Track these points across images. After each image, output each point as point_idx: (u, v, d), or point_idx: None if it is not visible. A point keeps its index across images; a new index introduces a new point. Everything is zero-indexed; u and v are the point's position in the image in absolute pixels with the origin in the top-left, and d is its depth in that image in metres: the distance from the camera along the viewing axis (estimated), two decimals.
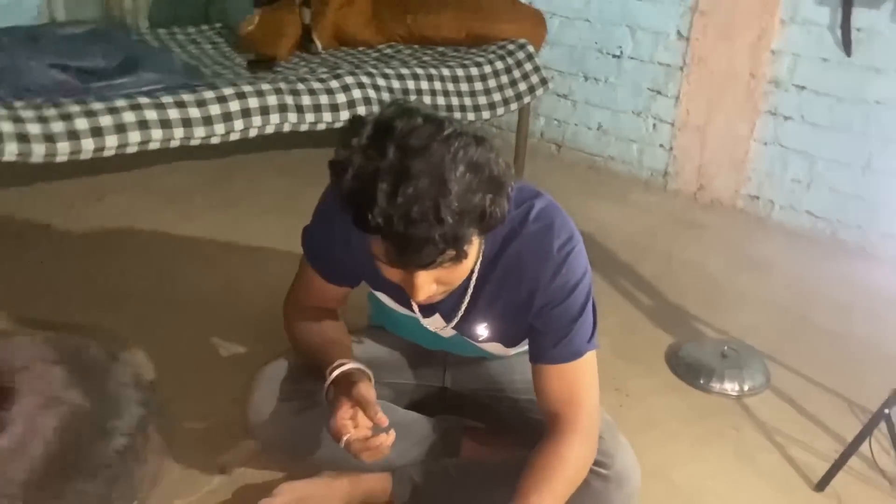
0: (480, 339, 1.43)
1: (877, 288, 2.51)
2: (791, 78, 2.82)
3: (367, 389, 1.29)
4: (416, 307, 1.39)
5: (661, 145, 3.22)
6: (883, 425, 1.63)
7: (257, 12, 3.15)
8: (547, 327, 1.31)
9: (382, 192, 1.00)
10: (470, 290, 1.34)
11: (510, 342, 1.46)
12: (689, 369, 2.03)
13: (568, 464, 1.27)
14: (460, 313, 1.38)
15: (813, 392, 2.01)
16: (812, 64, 2.77)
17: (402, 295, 1.26)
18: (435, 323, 1.43)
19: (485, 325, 1.40)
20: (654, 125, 3.21)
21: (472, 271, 1.28)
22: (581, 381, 1.32)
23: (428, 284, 1.13)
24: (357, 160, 1.04)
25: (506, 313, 1.36)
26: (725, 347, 2.07)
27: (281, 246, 2.41)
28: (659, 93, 3.16)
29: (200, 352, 2.00)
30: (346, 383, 1.31)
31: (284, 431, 1.47)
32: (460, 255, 1.07)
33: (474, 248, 1.13)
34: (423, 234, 1.01)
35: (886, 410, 1.57)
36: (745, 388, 1.98)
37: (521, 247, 1.27)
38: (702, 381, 1.99)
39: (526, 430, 1.50)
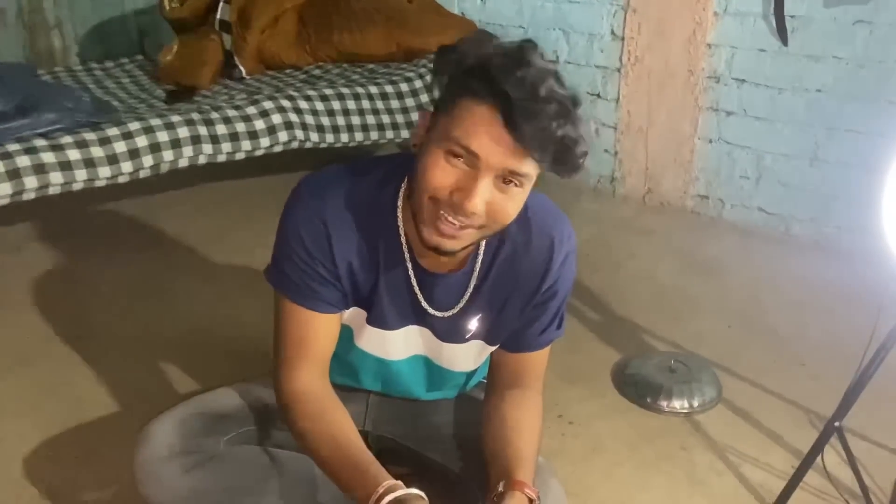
0: (467, 335, 1.32)
1: (832, 284, 2.41)
2: (730, 71, 2.73)
3: None
4: (421, 299, 1.27)
5: (606, 150, 3.11)
6: (837, 438, 1.51)
7: (176, 41, 3.03)
8: (539, 314, 1.30)
9: (511, 68, 1.02)
10: (475, 278, 1.26)
11: (495, 339, 1.34)
12: (636, 388, 1.91)
13: (540, 419, 1.32)
14: (464, 300, 1.28)
15: (767, 402, 1.89)
16: (749, 56, 2.68)
17: (398, 300, 1.26)
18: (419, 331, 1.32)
19: (479, 317, 1.30)
20: (597, 130, 3.10)
21: (476, 257, 1.25)
22: (545, 358, 1.37)
23: (484, 195, 1.07)
24: (482, 44, 1.07)
25: (507, 302, 1.29)
26: (673, 361, 1.95)
27: (216, 279, 2.26)
28: (598, 96, 3.06)
29: (110, 405, 1.84)
30: None
31: (175, 494, 1.31)
32: (561, 160, 1.06)
33: (528, 186, 1.11)
34: (549, 112, 1.02)
35: (837, 423, 1.45)
36: (695, 403, 1.86)
37: (531, 233, 1.25)
38: (649, 400, 1.87)
39: (445, 479, 1.41)
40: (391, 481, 1.12)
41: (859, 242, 2.48)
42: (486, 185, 1.06)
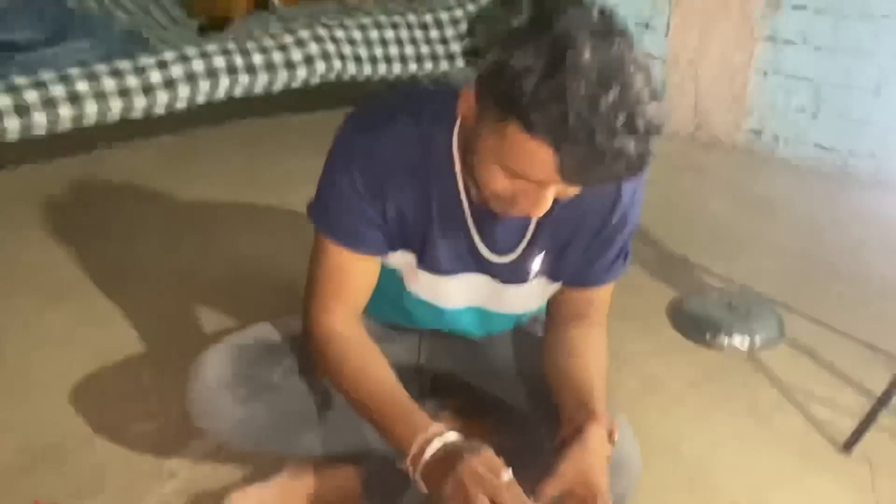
0: (531, 275, 1.25)
1: (893, 222, 2.30)
2: None
3: (512, 485, 0.99)
4: (477, 240, 1.19)
5: None
6: None
7: None
8: (606, 248, 1.22)
9: (578, 95, 0.84)
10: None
11: (560, 276, 1.26)
12: (694, 325, 1.84)
13: (606, 354, 1.27)
14: (525, 241, 1.20)
15: (833, 341, 1.81)
16: None
17: (453, 245, 1.17)
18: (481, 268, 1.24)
19: (542, 255, 1.23)
20: None
21: None
22: (609, 293, 1.29)
23: (550, 201, 0.99)
24: (533, 52, 0.85)
25: (573, 236, 1.20)
26: (732, 298, 1.87)
27: (251, 218, 2.20)
28: (647, 26, 2.92)
29: (154, 340, 1.81)
30: (453, 461, 0.99)
31: (230, 424, 1.27)
32: (636, 173, 0.93)
33: None
34: (619, 146, 0.86)
35: None
36: (757, 341, 1.78)
37: None
38: (708, 337, 1.80)
39: (504, 415, 1.36)
40: (437, 426, 1.05)
41: None
42: (551, 194, 0.97)
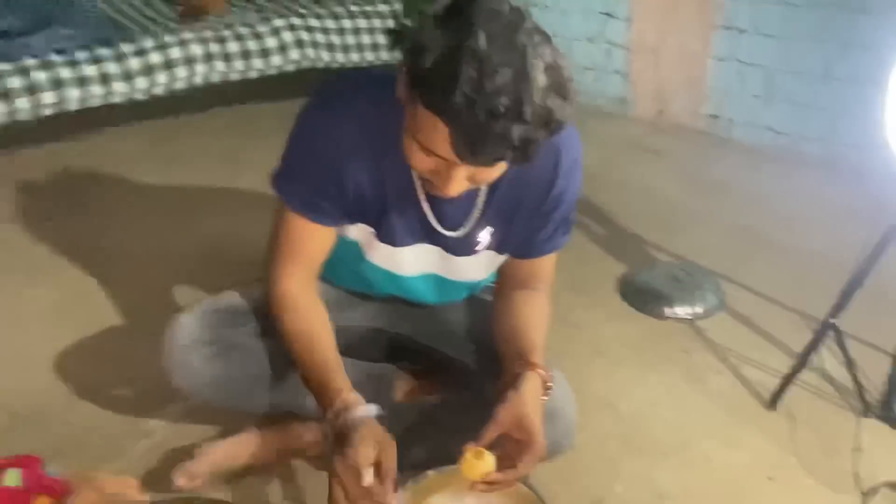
0: (478, 247, 1.35)
1: (838, 200, 2.43)
2: None
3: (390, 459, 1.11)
4: (430, 215, 1.29)
5: (617, 71, 3.10)
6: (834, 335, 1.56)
7: None
8: (546, 221, 1.30)
9: (467, 76, 0.93)
10: (483, 193, 1.27)
11: (505, 248, 1.37)
12: (640, 295, 1.96)
13: (547, 314, 1.36)
14: (474, 217, 1.29)
15: (768, 309, 1.94)
16: None
17: (407, 220, 1.26)
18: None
19: (488, 229, 1.32)
20: (609, 51, 3.09)
21: None
22: (553, 262, 1.38)
23: (463, 179, 1.07)
24: (439, 35, 0.96)
25: (517, 212, 1.30)
26: (677, 271, 2.00)
27: (227, 199, 2.30)
28: (610, 15, 3.04)
29: (132, 313, 1.92)
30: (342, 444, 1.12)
31: (201, 379, 1.38)
32: (523, 159, 1.01)
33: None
34: (501, 129, 0.95)
35: (832, 320, 1.50)
36: (698, 310, 1.91)
37: None
38: (652, 307, 1.92)
39: (455, 373, 1.47)
40: (348, 397, 1.16)
41: (867, 160, 2.48)
42: (460, 174, 1.06)
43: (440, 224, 1.30)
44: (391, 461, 1.10)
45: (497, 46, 0.94)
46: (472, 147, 0.98)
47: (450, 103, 0.94)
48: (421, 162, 1.07)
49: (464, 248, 1.35)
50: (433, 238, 1.33)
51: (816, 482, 1.43)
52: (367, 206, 1.27)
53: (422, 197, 1.26)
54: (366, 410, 1.16)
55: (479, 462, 1.11)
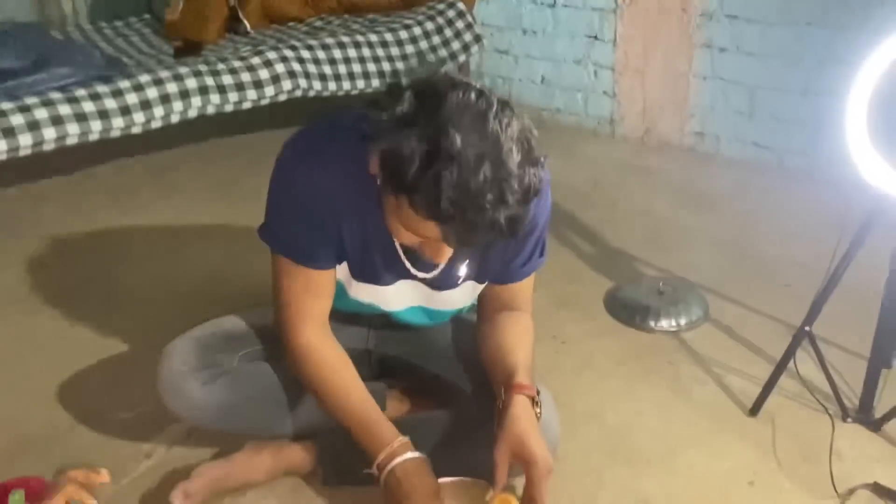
0: (459, 280, 1.40)
1: (821, 212, 2.46)
2: (722, 8, 2.77)
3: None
4: (408, 265, 1.35)
5: (605, 92, 3.17)
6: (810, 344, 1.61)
7: None
8: (521, 248, 1.35)
9: (450, 181, 0.98)
10: None
11: (484, 277, 1.42)
12: (626, 310, 2.01)
13: (532, 333, 1.42)
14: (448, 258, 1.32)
15: (752, 320, 1.98)
16: None
17: (387, 262, 1.31)
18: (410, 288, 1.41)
19: (466, 263, 1.37)
20: (596, 72, 3.16)
21: None
22: (531, 283, 1.43)
23: (451, 249, 1.14)
24: (414, 140, 0.99)
25: (491, 244, 1.29)
26: (661, 284, 2.04)
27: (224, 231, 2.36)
28: (596, 38, 3.11)
29: (132, 342, 1.97)
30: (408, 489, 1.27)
31: (195, 404, 1.44)
32: (511, 235, 1.07)
33: None
34: (490, 219, 1.01)
35: (807, 328, 1.55)
36: (682, 322, 1.96)
37: None
38: (638, 320, 1.97)
39: (444, 391, 1.53)
40: (397, 442, 1.29)
41: (849, 172, 2.53)
42: (449, 248, 1.13)
43: (415, 268, 1.35)
44: None
45: (471, 142, 0.98)
46: (464, 240, 1.05)
47: (438, 209, 0.99)
48: (409, 239, 1.13)
49: (445, 283, 1.41)
50: (413, 277, 1.38)
51: (795, 486, 1.47)
52: (348, 248, 1.32)
53: (398, 246, 1.31)
54: (412, 456, 1.28)
55: None
